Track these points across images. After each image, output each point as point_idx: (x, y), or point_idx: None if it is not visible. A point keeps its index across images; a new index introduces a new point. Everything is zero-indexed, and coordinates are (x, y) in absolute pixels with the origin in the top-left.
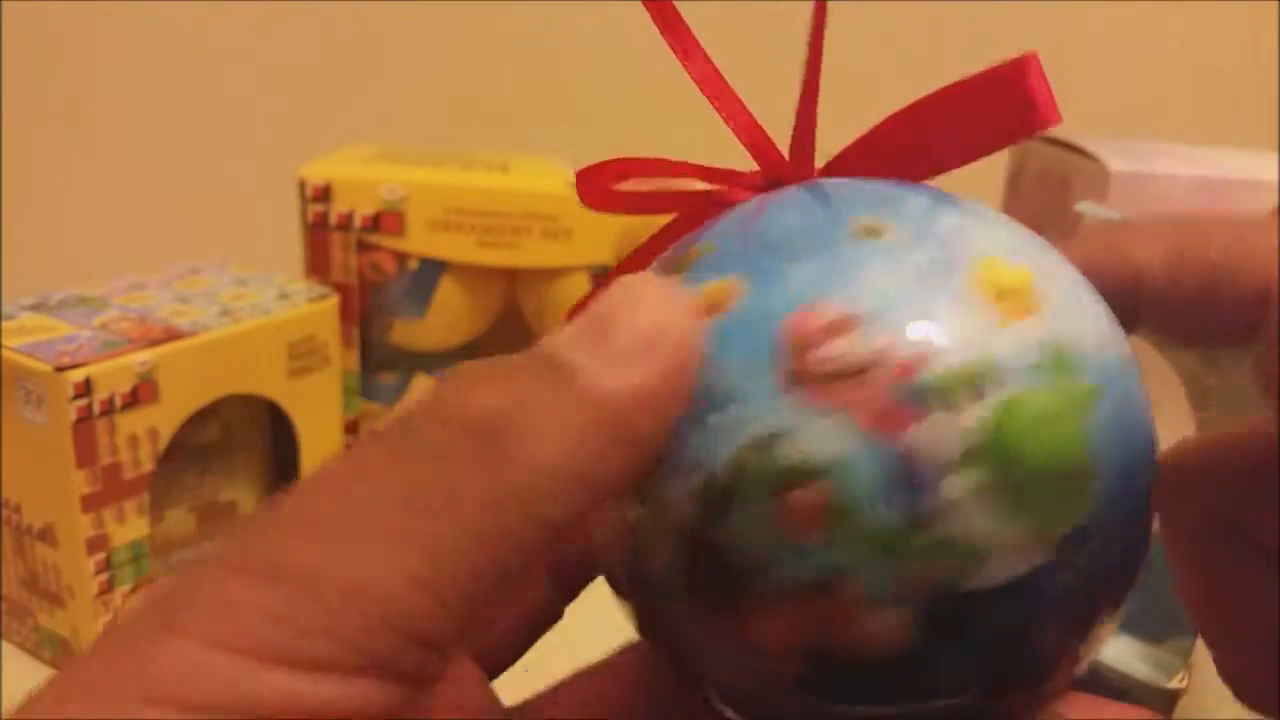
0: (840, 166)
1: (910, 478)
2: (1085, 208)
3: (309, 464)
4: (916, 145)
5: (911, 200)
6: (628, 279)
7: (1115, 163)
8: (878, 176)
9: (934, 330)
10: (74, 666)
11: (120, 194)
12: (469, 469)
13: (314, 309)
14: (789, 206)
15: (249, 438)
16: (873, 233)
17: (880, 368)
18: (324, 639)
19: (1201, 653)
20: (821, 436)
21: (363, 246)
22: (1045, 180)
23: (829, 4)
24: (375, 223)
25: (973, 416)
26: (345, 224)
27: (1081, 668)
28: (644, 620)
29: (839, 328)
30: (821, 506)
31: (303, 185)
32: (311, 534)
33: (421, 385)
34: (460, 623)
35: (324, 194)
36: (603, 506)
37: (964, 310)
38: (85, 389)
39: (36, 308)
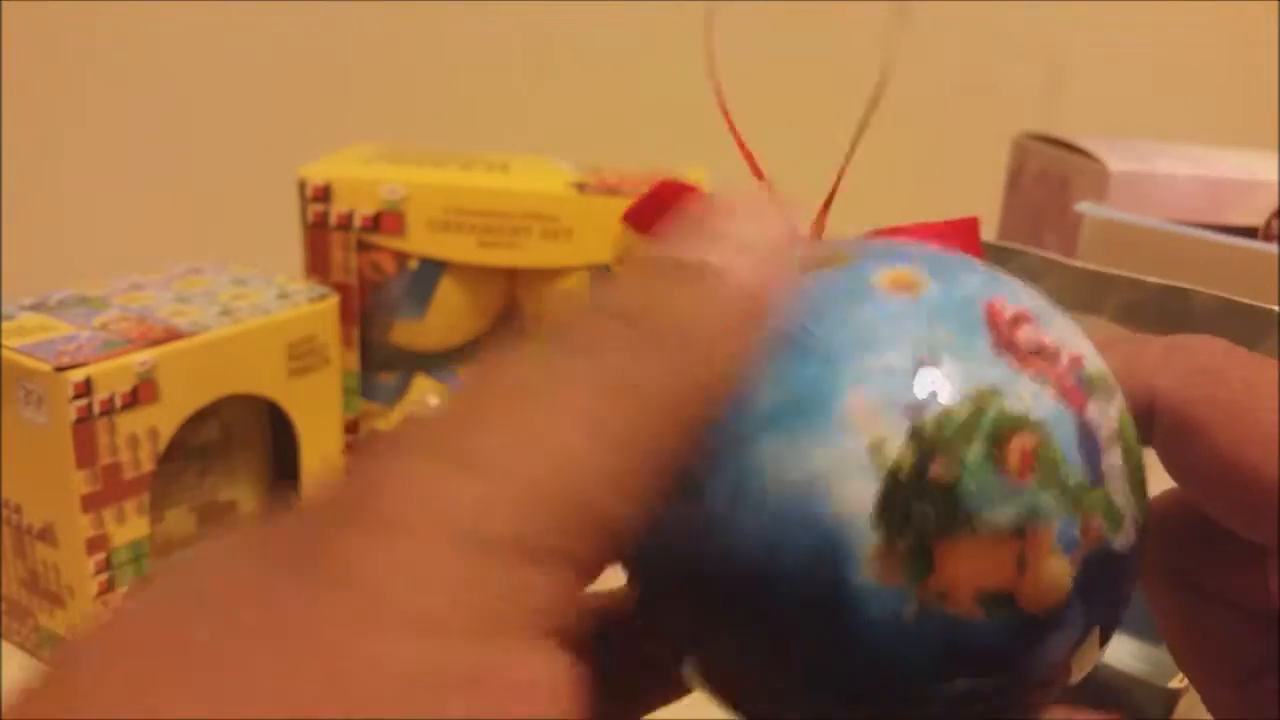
0: None
1: (1091, 442)
2: (1085, 207)
3: (309, 464)
4: None
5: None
6: (719, 195)
7: (1115, 163)
8: None
9: (1074, 340)
10: (287, 567)
11: (120, 194)
12: (642, 357)
13: (314, 309)
14: (904, 242)
15: (249, 438)
16: (995, 266)
17: (1062, 354)
18: (539, 528)
19: None
20: (1033, 396)
21: (363, 246)
22: (1045, 180)
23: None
24: (375, 223)
25: (1114, 410)
26: (345, 224)
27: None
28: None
29: (1022, 318)
30: (1034, 453)
31: (303, 185)
32: (498, 425)
33: (421, 386)
34: (635, 509)
35: (324, 194)
36: (730, 388)
37: (1081, 332)
38: (85, 389)
39: (36, 308)
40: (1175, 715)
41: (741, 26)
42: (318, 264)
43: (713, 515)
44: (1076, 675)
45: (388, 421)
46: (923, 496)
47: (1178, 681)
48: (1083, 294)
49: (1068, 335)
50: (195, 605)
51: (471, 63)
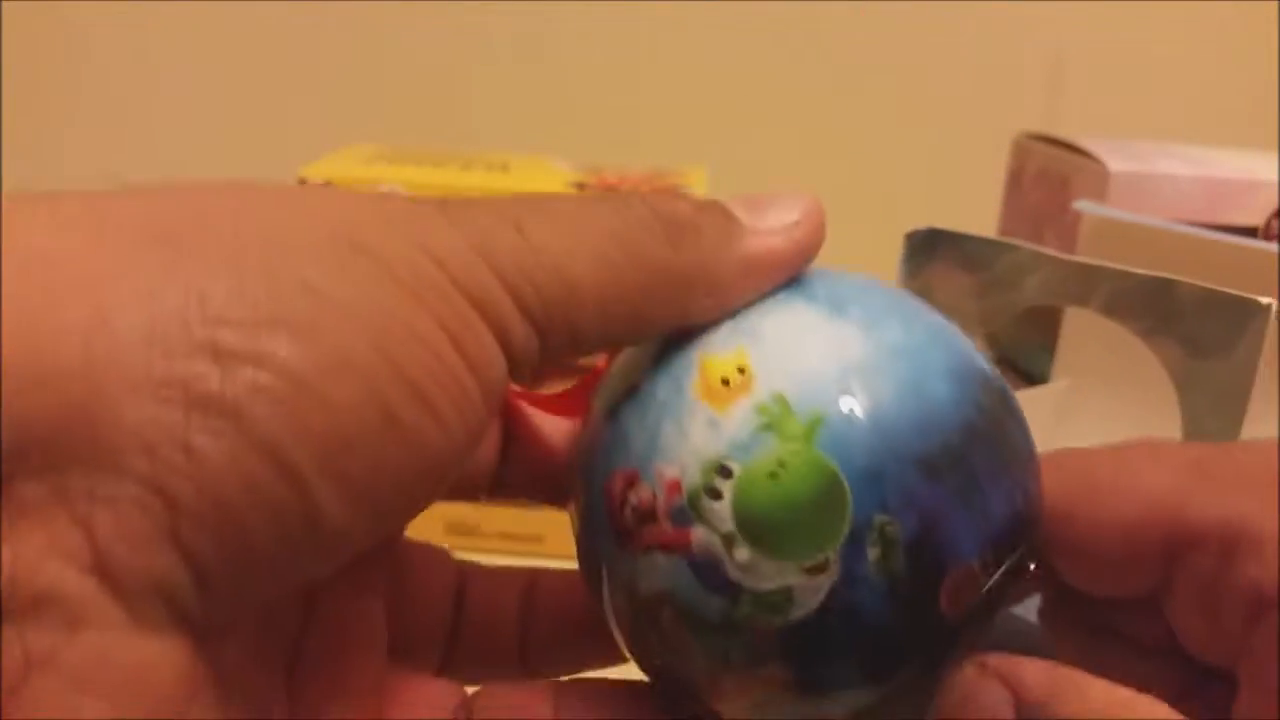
0: None
1: (711, 572)
2: (1084, 206)
3: None
4: None
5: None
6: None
7: (1115, 163)
8: None
9: (679, 453)
10: (363, 213)
11: None
12: (659, 240)
13: None
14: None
15: None
16: (632, 390)
17: (659, 501)
18: (528, 282)
19: None
20: (652, 574)
21: None
22: (1045, 180)
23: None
24: None
25: (726, 503)
26: None
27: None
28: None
29: (630, 482)
30: (679, 620)
31: (303, 185)
32: (552, 223)
33: None
34: (600, 335)
35: None
36: (714, 315)
37: (692, 421)
38: None
39: None
40: None
41: (742, 26)
42: None
43: None
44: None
45: None
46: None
47: None
48: (1072, 287)
49: (667, 459)
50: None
51: (471, 63)
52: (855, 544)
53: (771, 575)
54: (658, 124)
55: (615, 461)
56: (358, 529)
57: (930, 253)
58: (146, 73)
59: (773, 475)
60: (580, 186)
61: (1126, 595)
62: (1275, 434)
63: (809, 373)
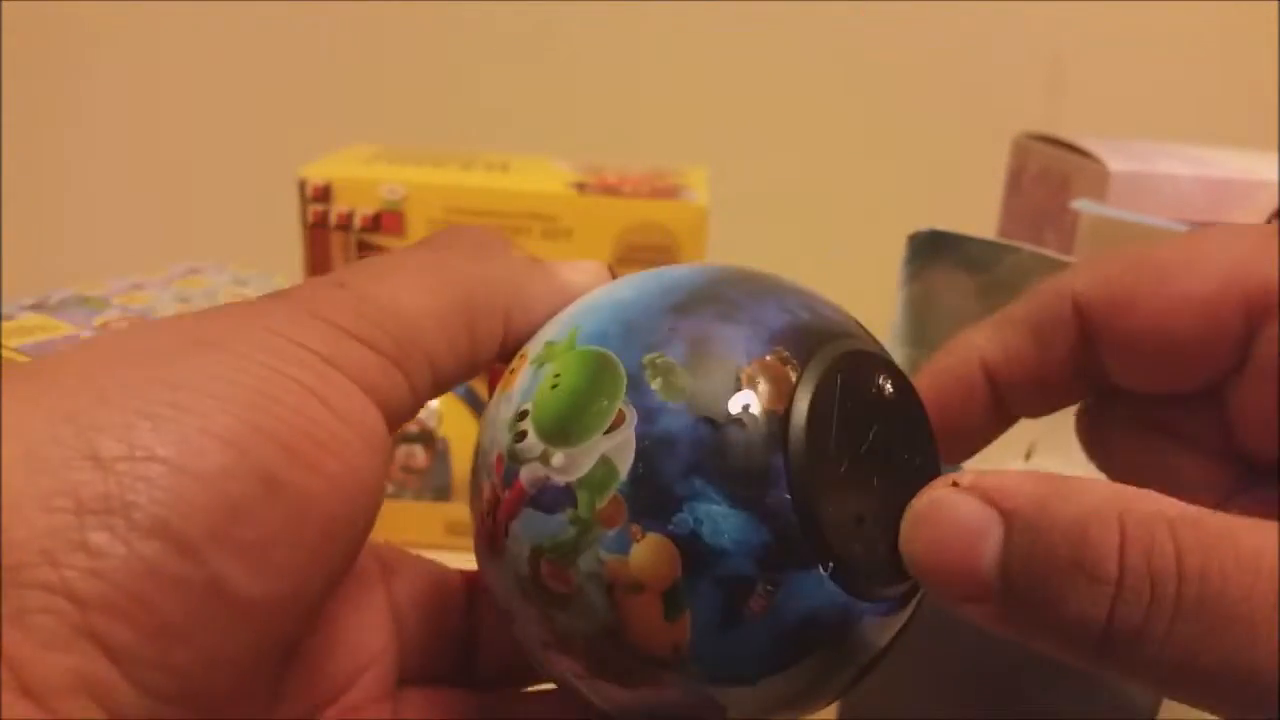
0: None
1: (547, 495)
2: (1082, 205)
3: None
4: None
5: None
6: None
7: (1115, 163)
8: None
9: (493, 436)
10: (204, 319)
11: (120, 194)
12: (467, 256)
13: None
14: None
15: None
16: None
17: (495, 481)
18: (377, 329)
19: None
20: (517, 544)
21: (363, 246)
22: (1045, 180)
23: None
24: (375, 223)
25: (531, 434)
26: (345, 224)
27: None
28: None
29: (480, 491)
30: (555, 563)
31: (303, 185)
32: (378, 275)
33: None
34: (450, 357)
35: (324, 194)
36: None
37: (495, 410)
38: None
39: (36, 308)
40: (1165, 706)
41: (742, 26)
42: (318, 264)
43: None
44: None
45: None
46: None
47: None
48: None
49: (490, 450)
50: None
51: (471, 63)
52: (637, 388)
53: (585, 456)
54: (658, 124)
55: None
56: (269, 592)
57: (932, 254)
58: (146, 72)
59: (553, 386)
60: (580, 186)
61: (1188, 387)
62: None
63: (563, 319)
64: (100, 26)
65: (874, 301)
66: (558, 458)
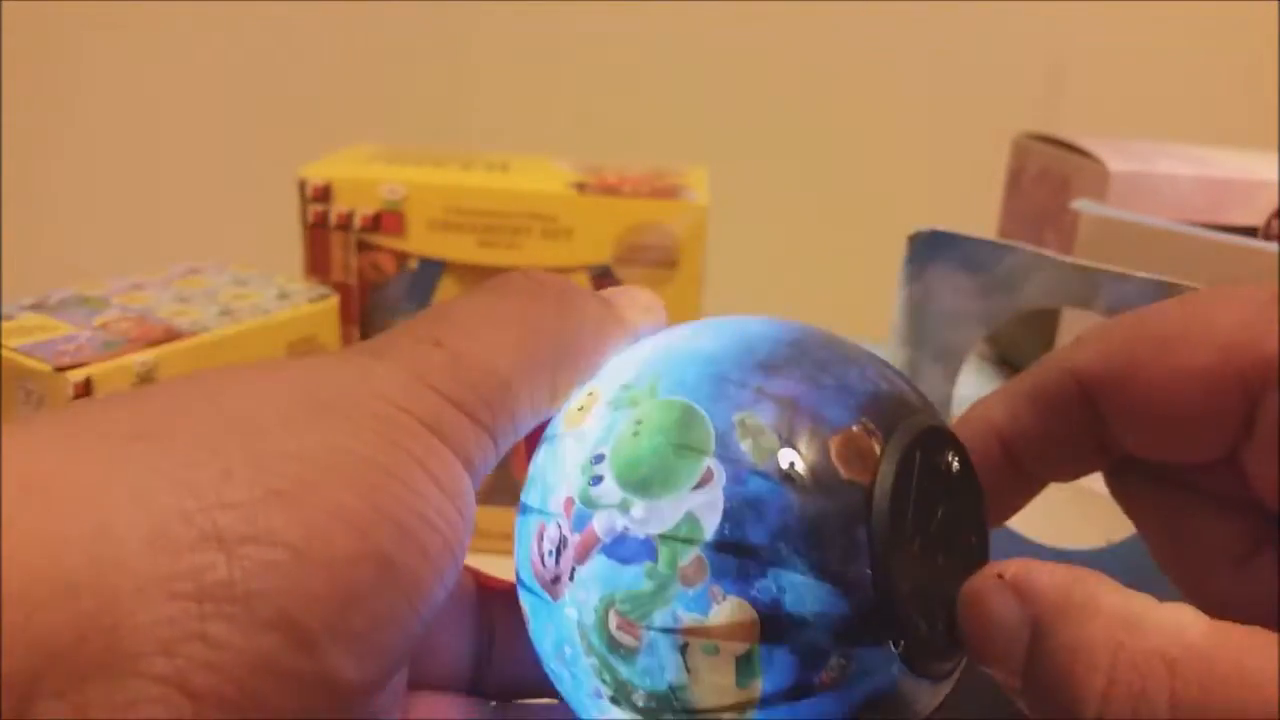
0: None
1: (624, 546)
2: (1082, 205)
3: None
4: None
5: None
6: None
7: (1115, 163)
8: None
9: (562, 476)
10: (314, 374)
11: (120, 194)
12: (553, 309)
13: (314, 309)
14: None
15: None
16: (527, 483)
17: (564, 526)
18: (475, 395)
19: None
20: (585, 593)
21: (363, 246)
22: (1045, 180)
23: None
24: (375, 223)
25: (608, 478)
26: (345, 224)
27: None
28: None
29: (540, 532)
30: (626, 615)
31: (303, 185)
32: (469, 329)
33: None
34: (531, 416)
35: (324, 194)
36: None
37: (563, 448)
38: (85, 389)
39: (36, 308)
40: None
41: (742, 26)
42: (318, 264)
43: None
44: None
45: None
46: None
47: None
48: (1074, 289)
49: (557, 491)
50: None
51: (471, 63)
52: (725, 446)
53: (670, 510)
54: (658, 124)
55: (525, 543)
56: (369, 680)
57: (932, 254)
58: (147, 72)
59: (635, 434)
60: (580, 186)
61: (1199, 457)
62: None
63: (638, 363)
64: (100, 27)
65: (874, 301)
66: (638, 509)
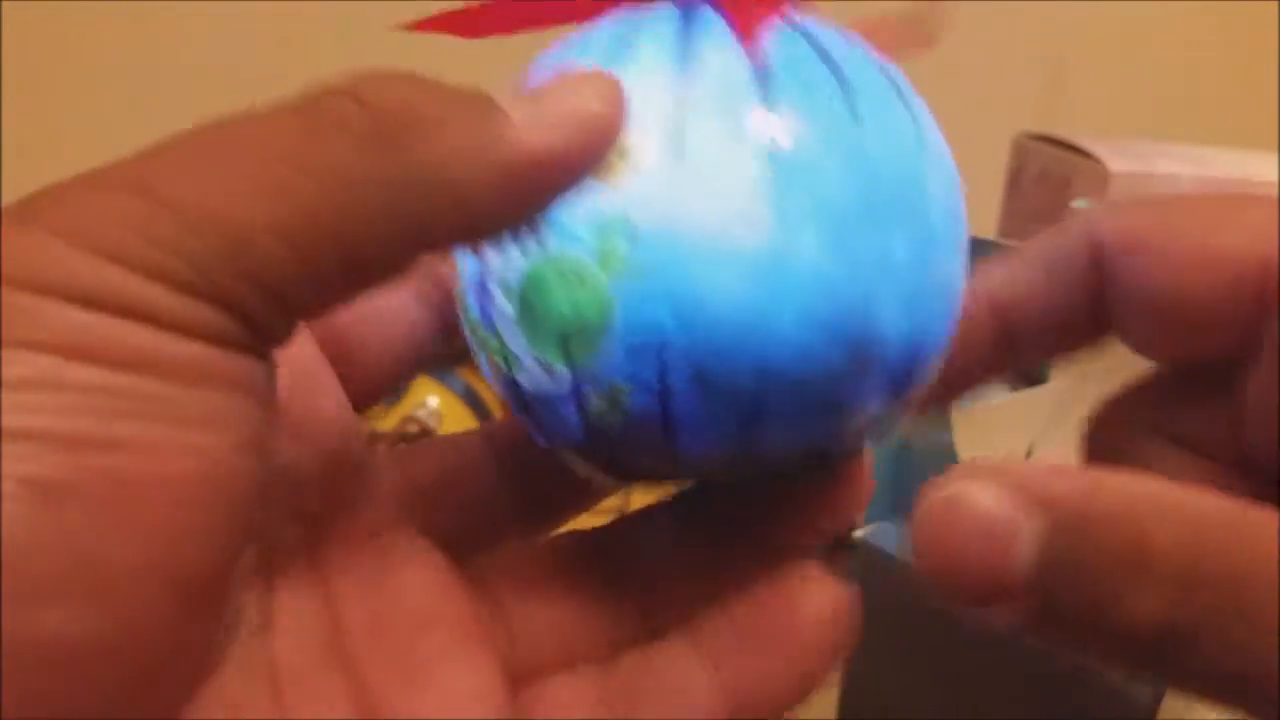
0: None
1: (483, 291)
2: (1083, 205)
3: None
4: None
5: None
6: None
7: (1115, 163)
8: None
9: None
10: None
11: None
12: (365, 144)
13: None
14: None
15: None
16: None
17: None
18: (174, 255)
19: None
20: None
21: None
22: (1045, 180)
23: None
24: None
25: (520, 262)
26: None
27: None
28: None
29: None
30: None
31: None
32: (189, 165)
33: (422, 386)
34: (312, 286)
35: None
36: (474, 242)
37: None
38: None
39: None
40: (1164, 709)
41: None
42: None
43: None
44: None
45: (388, 422)
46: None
47: None
48: None
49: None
50: None
51: (471, 62)
52: (592, 380)
53: (524, 341)
54: None
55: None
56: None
57: None
58: (147, 73)
59: (558, 284)
60: None
61: (1197, 354)
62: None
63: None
64: (100, 26)
65: None
66: None
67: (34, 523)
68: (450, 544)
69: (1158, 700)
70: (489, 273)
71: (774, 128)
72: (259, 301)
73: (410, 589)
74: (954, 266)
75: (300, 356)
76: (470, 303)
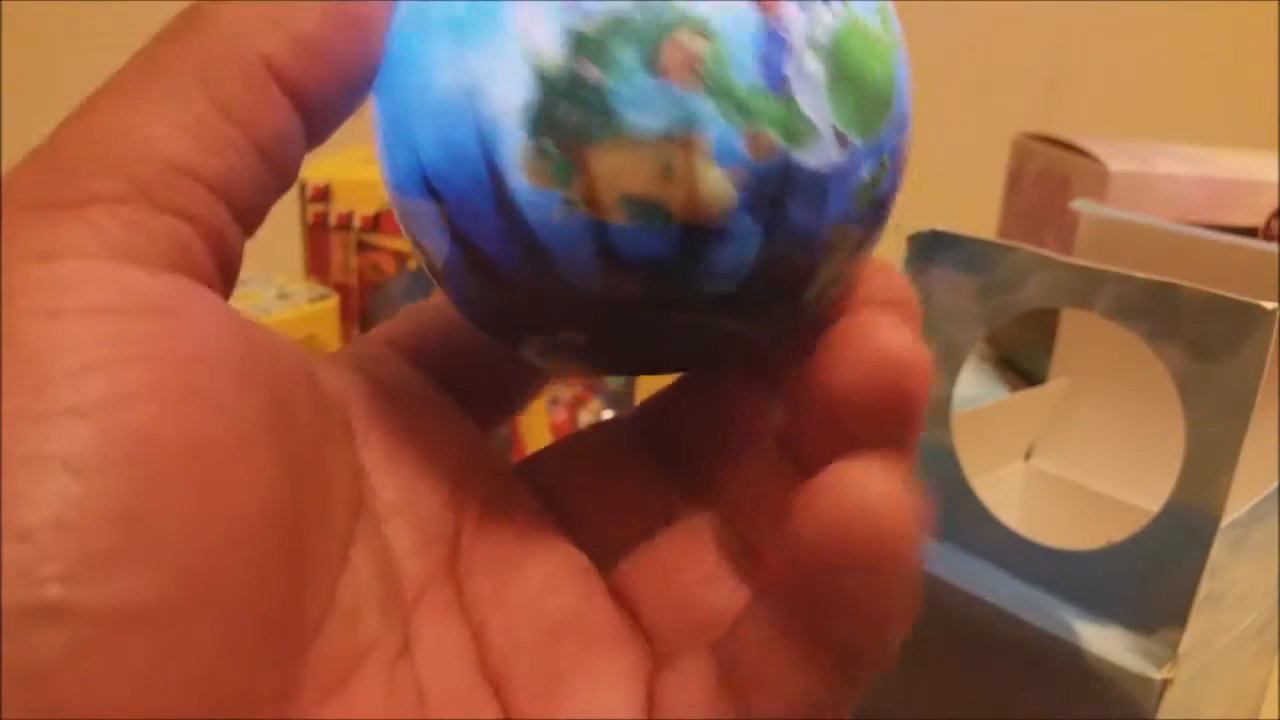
0: None
1: (777, 49)
2: (1082, 206)
3: None
4: None
5: None
6: None
7: (1115, 163)
8: None
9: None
10: None
11: None
12: (181, 34)
13: (314, 309)
14: None
15: None
16: None
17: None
18: (89, 174)
19: (1190, 643)
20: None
21: (363, 246)
22: (1045, 180)
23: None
24: (375, 223)
25: (829, 20)
26: (345, 224)
27: (822, 292)
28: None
29: None
30: (696, 56)
31: (303, 185)
32: (94, 99)
33: None
34: (222, 161)
35: (324, 194)
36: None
37: None
38: None
39: None
40: (1164, 706)
41: None
42: (318, 264)
43: (397, 121)
44: (808, 292)
45: None
46: (572, 99)
47: (1166, 672)
48: (1074, 290)
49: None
50: None
51: None
52: (872, 155)
53: (826, 107)
54: None
55: None
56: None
57: (932, 254)
58: None
59: (870, 48)
60: None
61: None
62: (1276, 439)
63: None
64: (100, 25)
65: None
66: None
67: (72, 497)
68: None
69: (1159, 698)
70: (785, 26)
71: None
72: (186, 190)
73: (550, 593)
74: None
75: (411, 386)
76: (739, 71)
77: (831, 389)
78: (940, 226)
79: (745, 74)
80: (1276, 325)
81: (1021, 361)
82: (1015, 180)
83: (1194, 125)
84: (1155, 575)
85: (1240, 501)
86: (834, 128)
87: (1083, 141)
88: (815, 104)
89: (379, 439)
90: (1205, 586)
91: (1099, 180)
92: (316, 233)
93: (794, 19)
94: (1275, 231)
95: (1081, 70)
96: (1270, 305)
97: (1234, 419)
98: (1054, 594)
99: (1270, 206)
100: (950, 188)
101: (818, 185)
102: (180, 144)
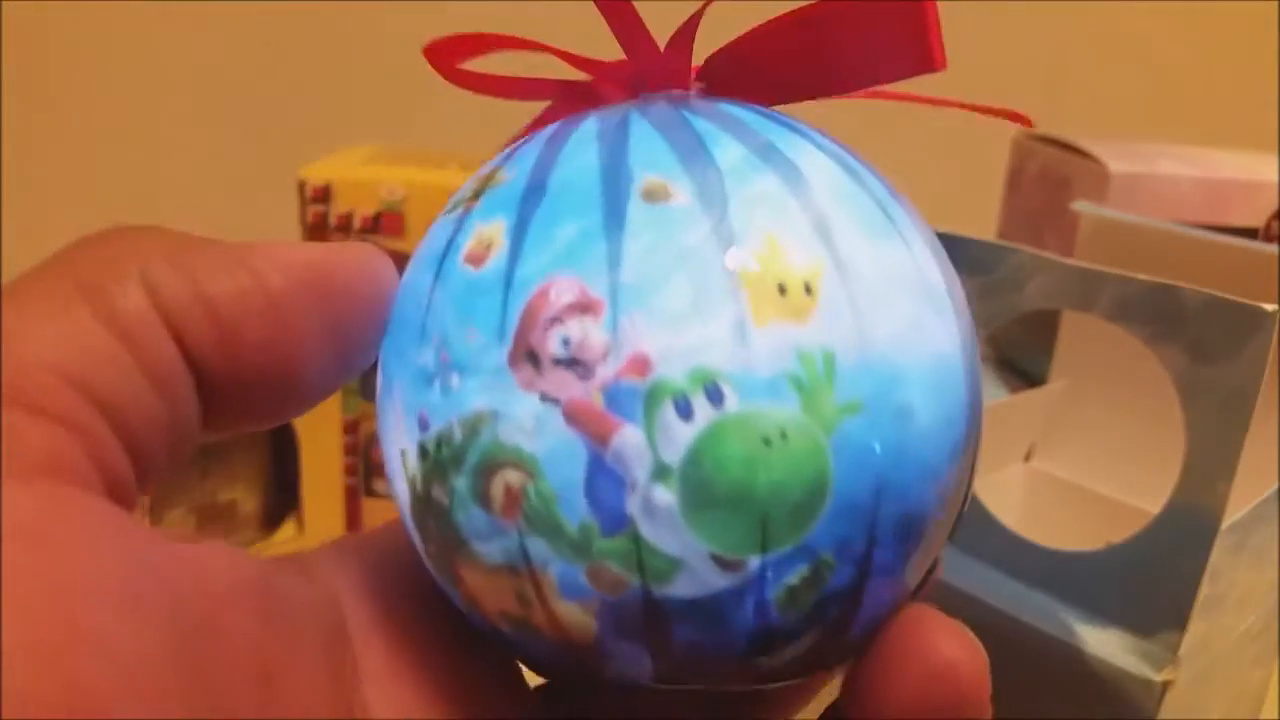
0: (719, 65)
1: (608, 483)
2: (1082, 206)
3: (309, 465)
4: (801, 56)
5: (733, 148)
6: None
7: (1115, 163)
8: (754, 86)
9: (671, 328)
10: None
11: (120, 194)
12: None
13: None
14: (585, 144)
15: (249, 438)
16: (657, 195)
17: (605, 363)
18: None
19: (1190, 646)
20: (532, 425)
21: None
22: (1045, 180)
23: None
24: (375, 223)
25: (684, 432)
26: (345, 224)
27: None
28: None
29: (581, 309)
30: (520, 492)
31: (303, 185)
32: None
33: None
34: (123, 386)
35: (324, 194)
36: None
37: (716, 307)
38: None
39: None
40: (1164, 708)
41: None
42: None
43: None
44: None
45: None
46: (431, 515)
47: (1168, 673)
48: (1074, 292)
49: (653, 325)
50: None
51: (471, 63)
52: (779, 568)
53: (685, 533)
54: None
55: (561, 265)
56: None
57: None
58: (146, 72)
59: (749, 450)
60: None
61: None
62: (1276, 441)
63: (893, 334)
64: (101, 26)
65: None
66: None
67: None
68: None
69: (1159, 700)
70: (624, 458)
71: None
72: (86, 410)
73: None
74: None
75: (424, 586)
76: (566, 508)
77: (888, 703)
78: (940, 227)
79: (574, 512)
80: (1277, 327)
81: (1022, 363)
82: (1015, 180)
83: (1194, 125)
84: (1155, 577)
85: (1240, 504)
86: (709, 554)
87: (1083, 142)
88: (669, 535)
89: (380, 646)
90: (1205, 589)
91: (1099, 181)
92: (316, 233)
93: (632, 446)
94: (1275, 233)
95: (1082, 70)
96: (1271, 307)
97: (1234, 421)
98: (1054, 596)
99: (1270, 207)
100: (950, 188)
101: (701, 609)
102: (59, 349)
